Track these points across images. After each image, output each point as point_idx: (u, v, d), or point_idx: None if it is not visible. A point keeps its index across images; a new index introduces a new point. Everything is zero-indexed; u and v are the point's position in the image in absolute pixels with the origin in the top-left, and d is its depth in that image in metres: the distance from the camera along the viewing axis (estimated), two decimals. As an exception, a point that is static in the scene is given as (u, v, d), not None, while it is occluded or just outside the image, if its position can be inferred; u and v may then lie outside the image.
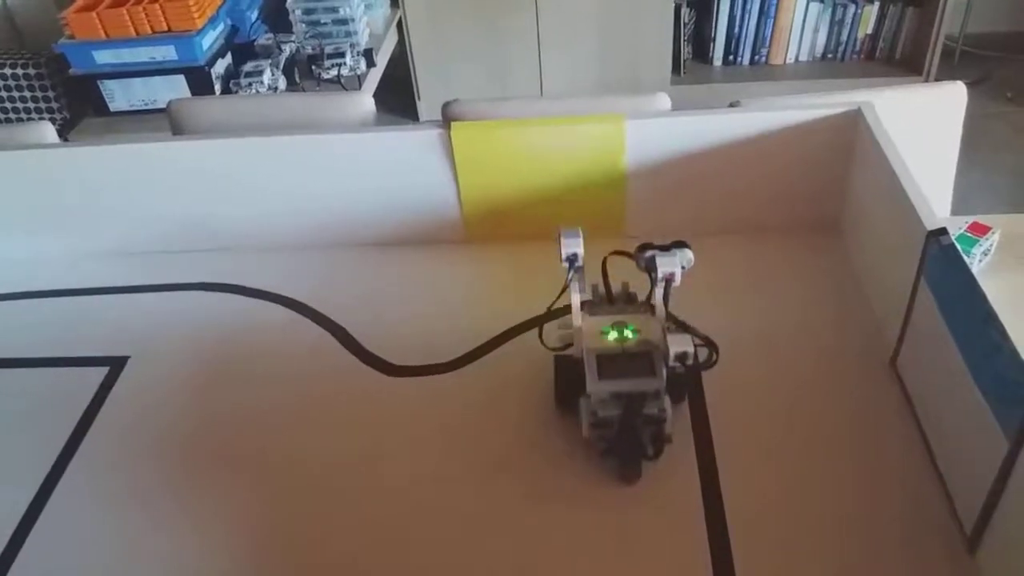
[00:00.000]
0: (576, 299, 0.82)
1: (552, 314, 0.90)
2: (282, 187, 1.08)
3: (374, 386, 0.92)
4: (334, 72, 2.18)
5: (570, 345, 0.84)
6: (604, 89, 2.64)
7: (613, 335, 0.80)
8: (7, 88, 2.22)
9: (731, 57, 2.73)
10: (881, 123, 0.96)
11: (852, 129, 1.01)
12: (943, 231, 0.77)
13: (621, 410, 0.76)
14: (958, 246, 0.75)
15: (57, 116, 2.25)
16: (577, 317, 0.82)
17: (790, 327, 0.95)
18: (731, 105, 1.13)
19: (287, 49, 2.23)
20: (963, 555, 0.70)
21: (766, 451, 0.81)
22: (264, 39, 2.26)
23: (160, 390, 0.94)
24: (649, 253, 0.81)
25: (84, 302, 1.08)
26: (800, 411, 0.84)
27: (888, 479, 0.77)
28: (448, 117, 1.12)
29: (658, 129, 1.03)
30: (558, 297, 0.85)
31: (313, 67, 2.19)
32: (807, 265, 1.03)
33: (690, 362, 0.73)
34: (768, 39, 2.68)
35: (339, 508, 0.79)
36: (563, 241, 0.82)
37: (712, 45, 2.71)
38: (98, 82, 2.09)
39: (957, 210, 1.30)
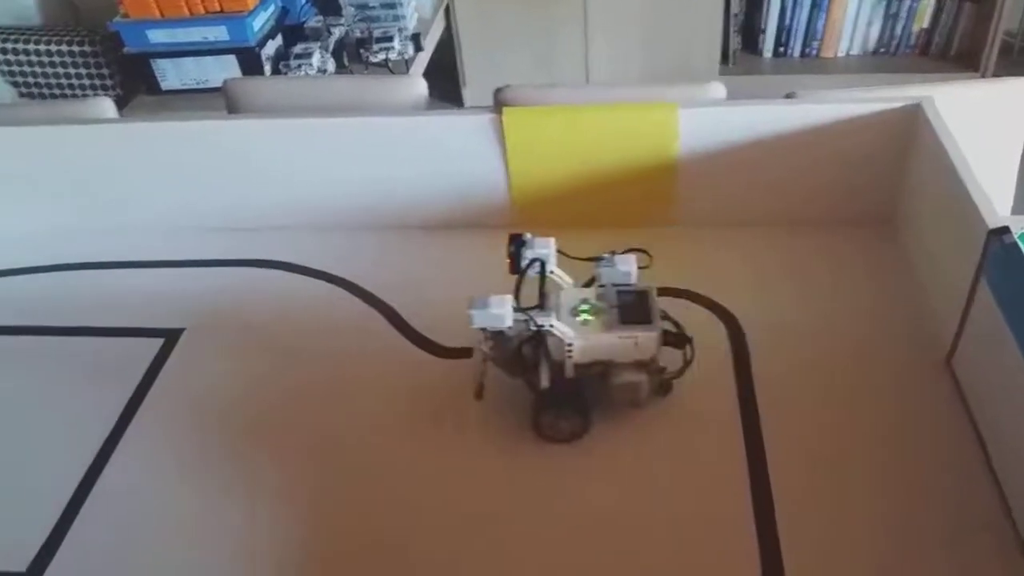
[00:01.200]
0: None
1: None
2: (334, 168, 1.10)
3: (423, 366, 0.93)
4: (382, 56, 2.19)
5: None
6: (650, 78, 2.62)
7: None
8: (63, 65, 2.26)
9: (781, 49, 2.69)
10: (942, 118, 0.95)
11: (911, 124, 0.99)
12: (1005, 230, 0.75)
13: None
14: (1021, 245, 0.73)
15: (111, 93, 2.29)
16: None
17: (843, 320, 0.94)
18: (787, 96, 1.12)
19: (336, 32, 2.25)
20: (1017, 557, 0.69)
21: (816, 445, 0.80)
22: (314, 21, 2.28)
23: (212, 362, 0.96)
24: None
25: (142, 275, 1.10)
26: (851, 404, 0.84)
27: (941, 476, 0.76)
28: (500, 102, 1.12)
29: (712, 118, 1.03)
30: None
31: (361, 51, 2.20)
32: (861, 259, 1.02)
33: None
34: (820, 31, 2.63)
35: (385, 483, 0.81)
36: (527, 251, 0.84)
37: (762, 36, 2.67)
38: (151, 61, 2.12)
39: (1019, 209, 1.27)
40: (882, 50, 2.66)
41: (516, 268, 0.83)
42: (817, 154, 1.02)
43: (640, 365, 0.81)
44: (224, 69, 2.12)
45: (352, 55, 2.23)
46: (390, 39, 2.20)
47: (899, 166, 1.02)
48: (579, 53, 2.63)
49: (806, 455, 0.79)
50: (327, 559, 0.75)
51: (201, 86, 2.15)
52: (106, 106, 1.20)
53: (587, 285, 0.86)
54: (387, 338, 0.98)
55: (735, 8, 2.60)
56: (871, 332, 0.92)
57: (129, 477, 0.84)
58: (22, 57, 2.27)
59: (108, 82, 2.28)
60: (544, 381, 0.80)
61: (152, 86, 2.15)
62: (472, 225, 1.12)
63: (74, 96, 2.29)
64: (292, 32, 2.25)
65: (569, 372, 0.81)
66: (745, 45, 2.73)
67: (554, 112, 1.03)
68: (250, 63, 2.09)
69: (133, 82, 2.19)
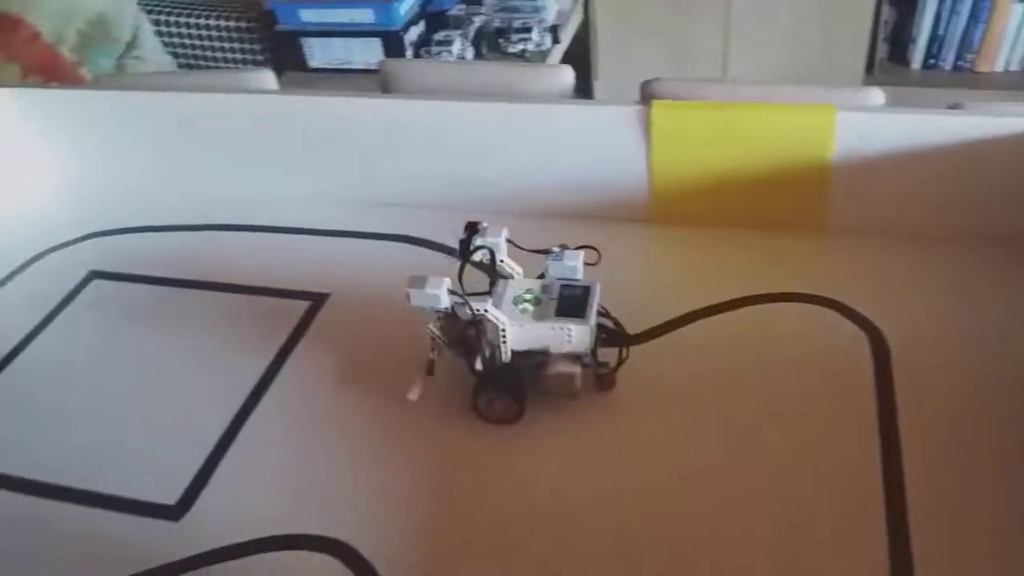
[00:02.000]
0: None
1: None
2: (480, 151, 1.12)
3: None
4: (520, 47, 2.21)
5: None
6: (790, 82, 2.55)
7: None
8: (220, 39, 2.39)
9: (931, 61, 2.57)
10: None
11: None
12: None
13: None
14: None
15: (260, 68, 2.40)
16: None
17: (997, 338, 0.89)
18: (950, 107, 1.07)
19: (477, 21, 2.28)
20: None
21: (956, 460, 0.77)
22: (456, 9, 2.32)
23: (354, 327, 1.00)
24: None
25: (293, 240, 1.16)
26: (995, 424, 0.80)
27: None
28: (648, 95, 1.12)
29: (871, 124, 0.99)
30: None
31: (500, 40, 2.24)
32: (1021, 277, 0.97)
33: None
34: (977, 43, 2.50)
35: (509, 463, 0.82)
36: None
37: (912, 46, 2.55)
38: (301, 39, 2.21)
39: None
40: (1045, 67, 2.50)
41: (464, 253, 0.86)
42: (984, 168, 0.97)
43: (574, 358, 0.83)
44: (368, 51, 2.20)
45: (490, 44, 2.26)
46: (529, 30, 2.22)
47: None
48: (716, 52, 2.59)
49: (945, 469, 0.76)
50: (453, 538, 0.77)
51: (344, 66, 2.23)
52: (268, 78, 1.26)
53: (540, 277, 0.88)
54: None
55: (885, 15, 2.50)
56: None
57: (270, 428, 0.89)
58: (183, 30, 2.41)
59: (259, 57, 2.40)
60: (478, 364, 0.84)
61: (300, 63, 2.24)
62: (608, 217, 1.12)
63: (226, 69, 2.42)
64: (434, 19, 2.30)
65: (505, 357, 0.84)
66: (893, 55, 2.62)
67: (705, 108, 1.02)
68: (393, 46, 2.16)
69: (282, 59, 2.29)
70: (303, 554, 0.76)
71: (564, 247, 0.87)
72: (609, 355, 0.87)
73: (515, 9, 2.33)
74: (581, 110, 1.06)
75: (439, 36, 2.20)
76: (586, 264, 0.88)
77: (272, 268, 1.10)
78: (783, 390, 0.87)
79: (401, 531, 0.77)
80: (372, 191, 1.18)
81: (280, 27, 2.21)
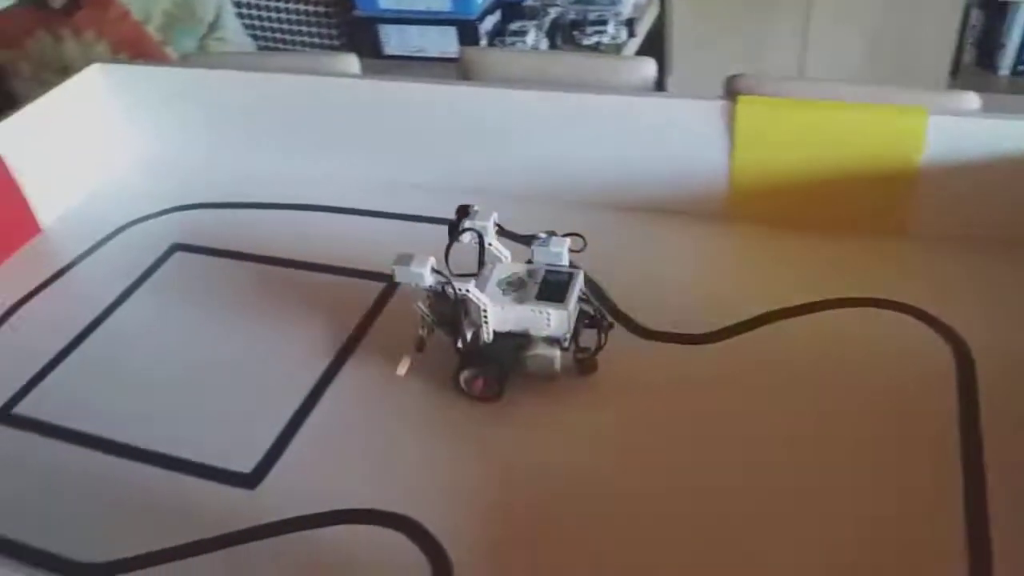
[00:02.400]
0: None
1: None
2: (556, 142, 1.12)
3: (627, 346, 0.94)
4: (594, 39, 2.20)
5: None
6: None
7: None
8: (298, 23, 2.43)
9: (1021, 67, 2.48)
10: None
11: None
12: None
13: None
14: None
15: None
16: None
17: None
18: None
19: (552, 12, 2.28)
20: None
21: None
22: (532, 0, 2.32)
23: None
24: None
25: (371, 223, 1.17)
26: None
27: None
28: (733, 90, 1.11)
29: (964, 128, 0.96)
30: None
31: (574, 32, 2.23)
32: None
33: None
34: (1069, 51, 2.40)
35: (576, 449, 0.82)
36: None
37: (1001, 51, 2.47)
38: (378, 25, 2.24)
39: None
40: None
41: (453, 234, 0.90)
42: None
43: (553, 341, 0.85)
44: (443, 40, 2.21)
45: (565, 36, 2.26)
46: (604, 23, 2.21)
47: None
48: (794, 52, 2.54)
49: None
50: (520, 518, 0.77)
51: (419, 54, 2.25)
52: (351, 62, 1.28)
53: (529, 262, 0.90)
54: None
55: (973, 19, 2.42)
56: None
57: (344, 404, 0.91)
58: (263, 12, 2.46)
59: (335, 42, 2.43)
60: (459, 342, 0.87)
61: (375, 50, 2.27)
62: (686, 212, 1.11)
63: (305, 52, 2.46)
64: (510, 8, 2.31)
65: (487, 337, 0.86)
66: (979, 60, 2.54)
67: (791, 105, 1.00)
68: (468, 35, 2.16)
69: (357, 45, 2.32)
70: (372, 528, 0.78)
71: (552, 233, 0.90)
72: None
73: (592, 1, 2.32)
74: (664, 103, 1.06)
75: (514, 26, 2.20)
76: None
77: (347, 249, 1.12)
78: (855, 400, 0.85)
79: (468, 509, 0.78)
80: (451, 179, 1.19)
81: (358, 13, 2.23)
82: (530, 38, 2.16)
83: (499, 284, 0.87)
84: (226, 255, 1.14)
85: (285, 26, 2.46)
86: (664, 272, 1.03)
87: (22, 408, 0.94)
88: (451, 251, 0.87)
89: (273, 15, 2.45)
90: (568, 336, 0.86)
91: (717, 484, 0.78)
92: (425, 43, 2.23)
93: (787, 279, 1.00)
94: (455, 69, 1.43)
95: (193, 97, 1.28)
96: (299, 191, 1.24)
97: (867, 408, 0.84)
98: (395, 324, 1.00)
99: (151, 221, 1.23)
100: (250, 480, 0.83)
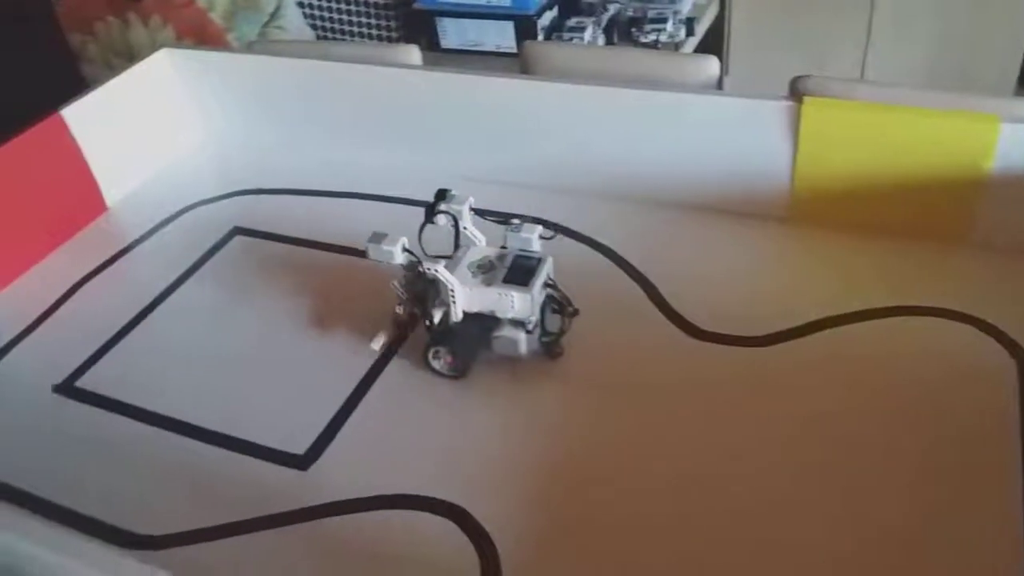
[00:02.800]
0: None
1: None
2: (618, 138, 1.12)
3: (678, 345, 0.93)
4: (652, 37, 2.18)
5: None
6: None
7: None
8: (357, 14, 2.45)
9: (1094, 76, 2.40)
10: None
11: None
12: None
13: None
14: None
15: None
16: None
17: None
18: None
19: (611, 9, 2.27)
20: None
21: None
22: (591, -4, 2.31)
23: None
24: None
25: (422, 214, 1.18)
26: None
27: None
28: (799, 91, 1.09)
29: (1038, 137, 0.94)
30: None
31: (632, 29, 2.21)
32: None
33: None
34: None
35: (623, 444, 0.82)
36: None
37: (1073, 60, 2.40)
38: (436, 18, 2.25)
39: None
40: None
41: (428, 215, 0.93)
42: None
43: (518, 324, 0.89)
44: (500, 34, 2.21)
45: (622, 33, 2.24)
46: (663, 20, 2.19)
47: None
48: (856, 56, 2.49)
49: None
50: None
51: (475, 48, 2.26)
52: (413, 53, 1.29)
53: (504, 248, 0.93)
54: (643, 311, 0.99)
55: (1045, 25, 2.35)
56: None
57: (395, 392, 0.92)
58: (323, 3, 2.49)
59: (392, 34, 2.45)
60: (428, 320, 0.90)
61: (432, 43, 2.28)
62: (746, 213, 1.10)
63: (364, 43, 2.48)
64: (568, 5, 2.30)
65: (455, 317, 0.89)
66: (1050, 68, 2.46)
67: (858, 108, 0.98)
68: (526, 30, 2.16)
69: (414, 37, 2.33)
70: (418, 514, 0.78)
71: (524, 219, 0.93)
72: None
73: (651, -1, 2.30)
74: (729, 102, 1.04)
75: (571, 22, 2.19)
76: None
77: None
78: (911, 409, 0.83)
79: (515, 499, 0.78)
80: (511, 173, 1.19)
81: (417, 5, 2.24)
82: (587, 34, 2.15)
83: (470, 267, 0.90)
84: (284, 240, 1.16)
85: (344, 16, 2.48)
86: (721, 273, 1.02)
87: (84, 382, 0.97)
88: (424, 232, 0.92)
89: (333, 5, 2.47)
90: (533, 320, 0.89)
91: (763, 484, 0.77)
92: (482, 37, 2.24)
93: (846, 284, 0.98)
94: (511, 63, 1.43)
95: (257, 83, 1.30)
96: (358, 180, 1.25)
97: (923, 418, 0.82)
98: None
99: (213, 204, 1.25)
100: (302, 462, 0.85)
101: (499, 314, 0.89)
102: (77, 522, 0.80)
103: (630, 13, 2.26)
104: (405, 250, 0.90)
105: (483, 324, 0.90)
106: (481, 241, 0.94)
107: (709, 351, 0.92)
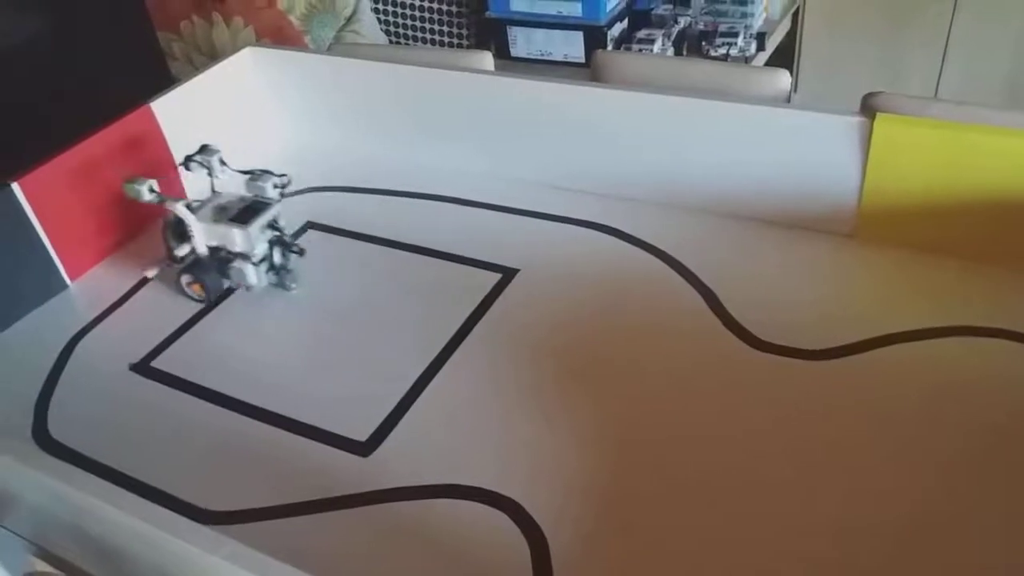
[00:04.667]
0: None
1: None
2: (686, 148, 1.12)
3: (736, 355, 0.93)
4: (723, 51, 2.18)
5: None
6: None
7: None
8: (430, 20, 2.51)
9: None
10: None
11: None
12: None
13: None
14: None
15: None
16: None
17: None
18: None
19: (681, 22, 2.27)
20: None
21: None
22: (662, 9, 2.32)
23: (540, 303, 1.03)
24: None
25: (491, 215, 1.21)
26: None
27: None
28: (870, 107, 1.08)
29: (1120, 162, 0.92)
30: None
31: (703, 43, 2.22)
32: None
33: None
34: None
35: (678, 447, 0.83)
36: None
37: None
38: (507, 27, 2.28)
39: None
40: None
41: (185, 164, 1.10)
42: None
43: (245, 257, 1.05)
44: (569, 44, 2.24)
45: (692, 46, 2.25)
46: (735, 35, 2.19)
47: None
48: (930, 78, 2.45)
49: None
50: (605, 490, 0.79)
51: (544, 57, 2.29)
52: (486, 59, 1.31)
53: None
54: (701, 319, 0.99)
55: None
56: None
57: (455, 385, 0.94)
58: (398, 9, 2.55)
59: (464, 42, 2.49)
60: (179, 252, 1.07)
61: (502, 50, 2.31)
62: (811, 228, 1.10)
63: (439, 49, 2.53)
64: (638, 17, 2.31)
65: (201, 250, 1.07)
66: None
67: (932, 126, 0.97)
68: (595, 41, 2.18)
69: (484, 44, 2.37)
70: (474, 505, 0.80)
71: (263, 171, 1.09)
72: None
73: (722, 13, 2.30)
74: (800, 115, 1.04)
75: (641, 34, 2.20)
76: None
77: (468, 239, 1.16)
78: (969, 434, 0.82)
79: (571, 496, 0.80)
80: (576, 179, 1.21)
81: (489, 14, 2.28)
82: (657, 46, 2.16)
83: (214, 209, 1.07)
84: (355, 236, 1.20)
85: (418, 23, 2.54)
86: (783, 286, 1.02)
87: (159, 363, 1.02)
88: (174, 174, 1.17)
89: (407, 11, 2.53)
90: (258, 254, 1.06)
91: (820, 496, 0.77)
92: (551, 46, 2.27)
93: (911, 304, 0.97)
94: (579, 73, 1.45)
95: (337, 84, 1.34)
96: (427, 181, 1.29)
97: (980, 443, 0.81)
98: (509, 312, 1.03)
99: (289, 199, 1.29)
100: (364, 448, 0.87)
101: (229, 247, 1.05)
102: (149, 495, 0.84)
103: (700, 26, 2.27)
104: (152, 191, 1.04)
105: (221, 257, 1.07)
106: (231, 190, 1.10)
107: (766, 361, 0.92)
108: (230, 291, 1.12)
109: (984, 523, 0.74)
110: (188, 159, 1.10)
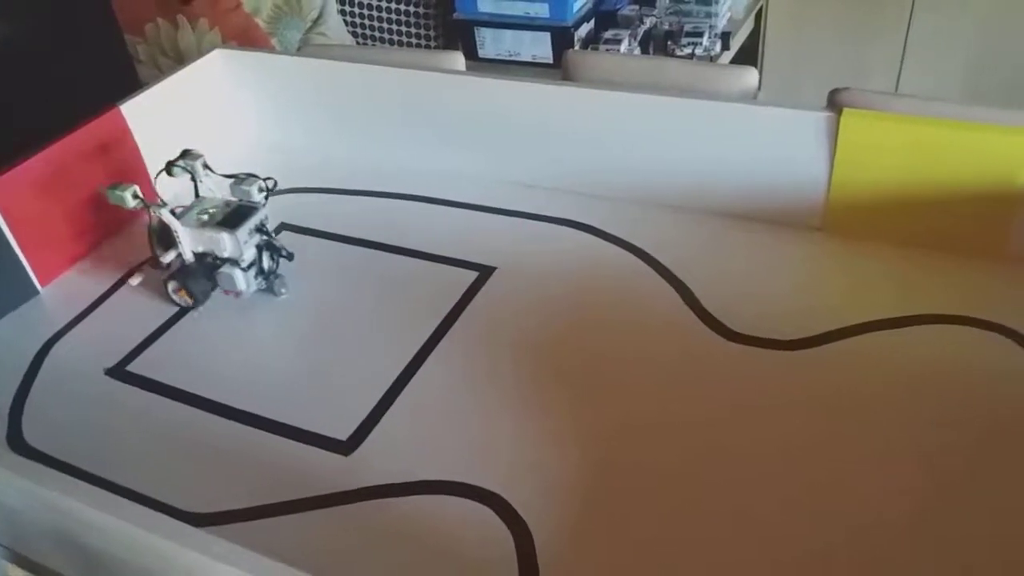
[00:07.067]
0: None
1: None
2: (656, 146, 1.14)
3: (711, 347, 0.95)
4: (688, 51, 2.21)
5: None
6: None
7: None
8: (398, 22, 2.50)
9: None
10: None
11: None
12: None
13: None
14: None
15: (432, 53, 2.49)
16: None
17: None
18: None
19: (647, 22, 2.30)
20: None
21: None
22: (628, 10, 2.34)
23: (516, 301, 1.04)
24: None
25: (467, 214, 1.21)
26: None
27: None
28: (837, 103, 1.11)
29: (1075, 153, 0.95)
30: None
31: (669, 43, 2.24)
32: None
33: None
34: None
35: (658, 440, 0.84)
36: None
37: (1110, 81, 2.39)
38: (475, 28, 2.29)
39: None
40: None
41: (167, 168, 1.08)
42: None
43: (234, 263, 1.04)
44: (537, 45, 2.25)
45: (658, 46, 2.27)
46: (700, 35, 2.21)
47: None
48: (891, 74, 2.50)
49: None
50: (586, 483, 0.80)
51: (512, 58, 2.29)
52: (458, 60, 1.32)
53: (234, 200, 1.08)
54: (676, 313, 1.01)
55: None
56: None
57: (435, 383, 0.94)
58: (364, 11, 2.54)
59: (432, 43, 2.50)
60: (165, 258, 1.05)
61: (470, 52, 2.31)
62: (779, 222, 1.12)
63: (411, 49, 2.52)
64: (605, 18, 2.33)
65: (187, 256, 1.05)
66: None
67: (897, 121, 1.00)
68: (562, 42, 2.20)
69: (452, 46, 2.38)
70: (458, 500, 0.81)
71: (248, 175, 1.07)
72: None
73: (687, 13, 2.33)
74: (768, 111, 1.06)
75: (608, 34, 2.22)
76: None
77: (444, 238, 1.16)
78: (941, 417, 0.84)
79: (554, 489, 0.81)
80: (548, 177, 1.23)
81: (457, 15, 2.29)
82: (623, 46, 2.18)
83: (200, 213, 1.05)
84: (330, 237, 1.20)
85: (384, 24, 2.53)
86: (755, 279, 1.04)
87: (135, 367, 1.01)
88: (156, 179, 1.09)
89: (374, 13, 2.53)
90: (246, 259, 1.04)
91: (798, 482, 0.79)
92: (519, 47, 2.27)
93: (879, 294, 1.00)
94: (548, 73, 1.46)
95: (307, 86, 1.34)
96: (402, 181, 1.29)
97: (952, 426, 0.83)
98: (487, 309, 1.03)
99: (260, 201, 1.29)
100: (345, 447, 0.88)
101: (217, 253, 1.04)
102: (128, 499, 0.82)
103: (666, 27, 2.29)
104: (136, 196, 1.02)
105: (208, 263, 1.05)
106: (215, 194, 1.09)
107: (741, 352, 0.94)
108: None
109: (963, 502, 0.76)
110: (171, 164, 1.08)
